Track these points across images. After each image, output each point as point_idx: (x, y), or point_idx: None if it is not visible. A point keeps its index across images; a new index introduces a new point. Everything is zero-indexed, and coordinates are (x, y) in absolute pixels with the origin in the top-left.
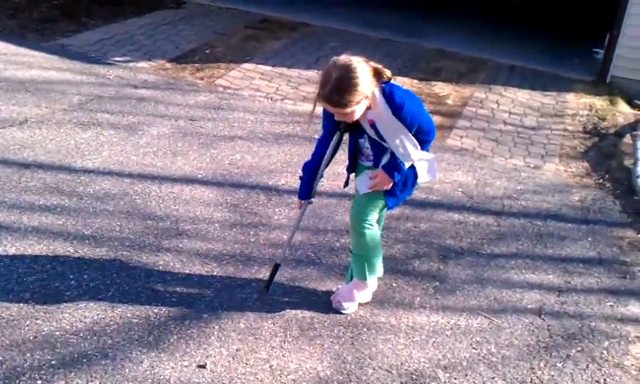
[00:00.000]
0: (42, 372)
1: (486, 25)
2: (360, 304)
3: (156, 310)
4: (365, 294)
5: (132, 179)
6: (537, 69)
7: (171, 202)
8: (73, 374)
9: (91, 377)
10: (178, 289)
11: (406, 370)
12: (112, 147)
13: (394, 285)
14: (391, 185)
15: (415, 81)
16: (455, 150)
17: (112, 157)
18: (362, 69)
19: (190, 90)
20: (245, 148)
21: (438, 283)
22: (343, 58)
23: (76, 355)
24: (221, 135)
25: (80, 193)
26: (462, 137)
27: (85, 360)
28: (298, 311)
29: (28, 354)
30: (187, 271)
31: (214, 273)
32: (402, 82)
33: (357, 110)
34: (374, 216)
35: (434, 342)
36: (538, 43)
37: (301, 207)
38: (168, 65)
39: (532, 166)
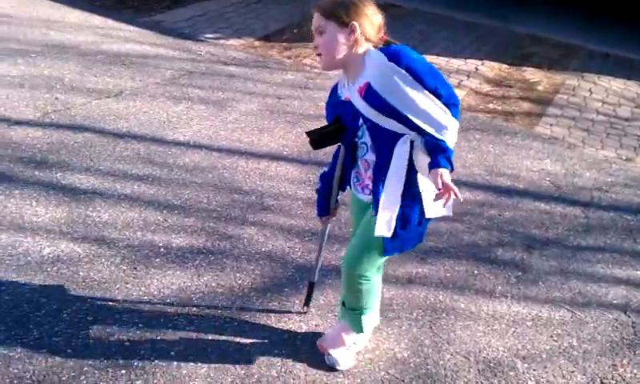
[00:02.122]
0: (130, 334)
1: (580, 10)
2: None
3: (239, 282)
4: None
5: (220, 153)
6: (633, 58)
7: (257, 178)
8: (159, 338)
9: (177, 342)
10: (261, 262)
11: (484, 357)
12: (202, 121)
13: (475, 272)
14: (448, 176)
15: (505, 66)
16: (544, 138)
17: (202, 131)
18: (370, 4)
19: (278, 69)
20: None
21: (520, 273)
22: None
23: (162, 320)
24: (307, 114)
25: (171, 164)
26: (551, 125)
27: (170, 325)
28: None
29: (117, 316)
30: (270, 245)
31: (296, 249)
32: (491, 67)
33: (332, 36)
34: (371, 269)
35: (513, 332)
36: (636, 31)
37: (323, 223)
38: (257, 43)
39: (624, 158)
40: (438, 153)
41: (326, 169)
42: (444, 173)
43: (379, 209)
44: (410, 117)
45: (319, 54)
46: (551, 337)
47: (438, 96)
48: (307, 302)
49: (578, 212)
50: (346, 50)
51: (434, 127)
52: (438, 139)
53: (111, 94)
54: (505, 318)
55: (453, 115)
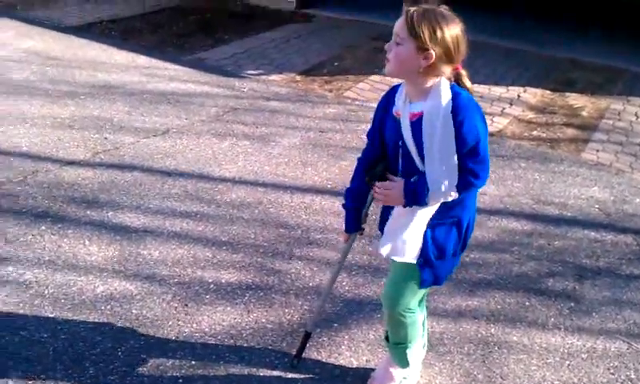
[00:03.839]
0: (183, 371)
1: (623, 32)
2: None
3: (288, 317)
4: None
5: (265, 189)
6: None
7: (302, 212)
8: (211, 374)
9: (228, 378)
10: (309, 296)
11: None
12: (247, 157)
13: (527, 304)
14: (397, 204)
15: (547, 92)
16: (591, 165)
17: (247, 166)
18: (454, 32)
19: (320, 102)
20: None
21: (573, 304)
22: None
23: (214, 357)
24: (349, 146)
25: (218, 201)
26: (597, 151)
27: (222, 362)
28: (427, 326)
29: (170, 353)
30: (317, 280)
31: (344, 283)
32: (534, 93)
33: (407, 53)
34: (413, 301)
35: (568, 365)
36: None
37: (347, 241)
38: (298, 77)
39: None
40: (416, 184)
41: (349, 185)
42: (395, 189)
43: (385, 228)
44: (427, 161)
45: (387, 59)
46: (608, 369)
47: (466, 169)
48: (298, 356)
49: (630, 239)
50: (415, 71)
51: (432, 183)
52: (427, 183)
53: (158, 132)
54: (559, 350)
55: (462, 187)
